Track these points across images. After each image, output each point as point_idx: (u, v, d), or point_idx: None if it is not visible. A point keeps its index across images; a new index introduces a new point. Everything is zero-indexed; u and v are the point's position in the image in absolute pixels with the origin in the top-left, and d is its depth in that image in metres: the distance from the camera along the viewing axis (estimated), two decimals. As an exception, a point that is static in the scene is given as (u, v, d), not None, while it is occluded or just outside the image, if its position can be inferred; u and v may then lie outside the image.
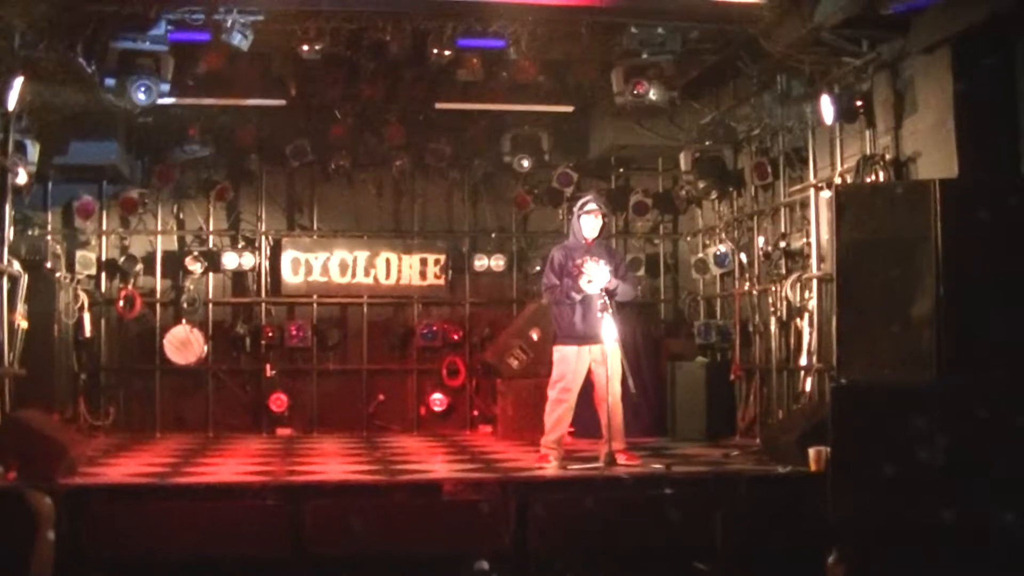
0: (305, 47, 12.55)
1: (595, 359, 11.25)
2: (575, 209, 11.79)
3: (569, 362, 11.37)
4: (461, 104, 15.68)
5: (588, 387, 11.44)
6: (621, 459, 11.10)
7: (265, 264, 16.93)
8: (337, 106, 15.79)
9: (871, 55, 11.58)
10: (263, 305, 16.94)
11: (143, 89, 12.02)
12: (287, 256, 16.85)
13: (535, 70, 13.78)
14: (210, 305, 16.75)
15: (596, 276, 11.12)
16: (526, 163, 16.64)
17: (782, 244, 14.20)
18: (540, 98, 15.22)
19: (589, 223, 11.52)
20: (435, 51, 12.84)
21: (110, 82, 12.35)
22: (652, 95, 12.95)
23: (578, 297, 11.23)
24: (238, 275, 16.87)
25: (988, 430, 8.74)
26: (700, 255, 16.72)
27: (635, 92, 12.90)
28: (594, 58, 13.64)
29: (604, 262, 11.33)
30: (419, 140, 16.64)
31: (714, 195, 16.08)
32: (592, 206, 11.56)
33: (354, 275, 16.95)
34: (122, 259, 16.32)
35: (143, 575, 9.05)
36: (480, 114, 16.34)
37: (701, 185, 15.88)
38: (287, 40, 12.68)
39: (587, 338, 11.26)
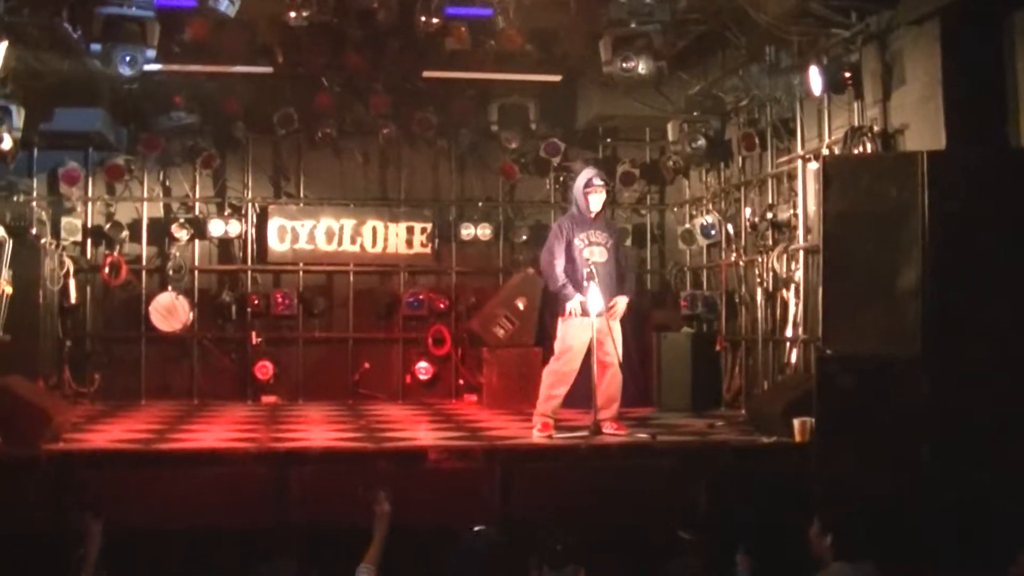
0: (292, 14, 12.53)
1: (600, 330, 11.25)
2: (579, 184, 11.78)
3: (573, 334, 11.39)
4: (448, 73, 15.59)
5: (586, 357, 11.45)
6: (609, 428, 11.13)
7: (251, 232, 16.89)
8: (324, 74, 15.71)
9: (860, 26, 11.55)
10: (249, 273, 16.91)
11: (127, 60, 11.94)
12: (273, 224, 16.82)
13: (522, 39, 13.75)
14: (196, 272, 16.72)
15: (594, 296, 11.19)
16: (514, 145, 16.64)
17: (769, 215, 14.19)
18: (527, 67, 15.16)
19: (596, 199, 11.60)
20: (422, 19, 12.85)
21: (95, 48, 12.26)
22: (641, 69, 12.93)
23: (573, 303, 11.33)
24: (224, 243, 16.84)
25: (971, 402, 8.79)
26: (687, 226, 16.72)
27: (624, 67, 12.88)
28: (582, 27, 13.60)
29: (606, 235, 11.54)
30: (406, 109, 16.58)
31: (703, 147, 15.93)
32: (598, 181, 11.66)
33: (340, 243, 16.92)
34: (108, 226, 16.27)
35: (127, 540, 9.03)
36: (467, 83, 16.24)
37: (691, 147, 15.77)
38: (274, 7, 12.67)
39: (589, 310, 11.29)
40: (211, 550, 9.01)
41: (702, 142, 15.61)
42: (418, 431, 12.44)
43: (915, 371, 9.00)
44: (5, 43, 11.23)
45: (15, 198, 14.94)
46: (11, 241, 12.91)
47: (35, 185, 15.90)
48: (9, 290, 12.62)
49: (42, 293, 14.14)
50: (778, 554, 8.77)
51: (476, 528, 8.53)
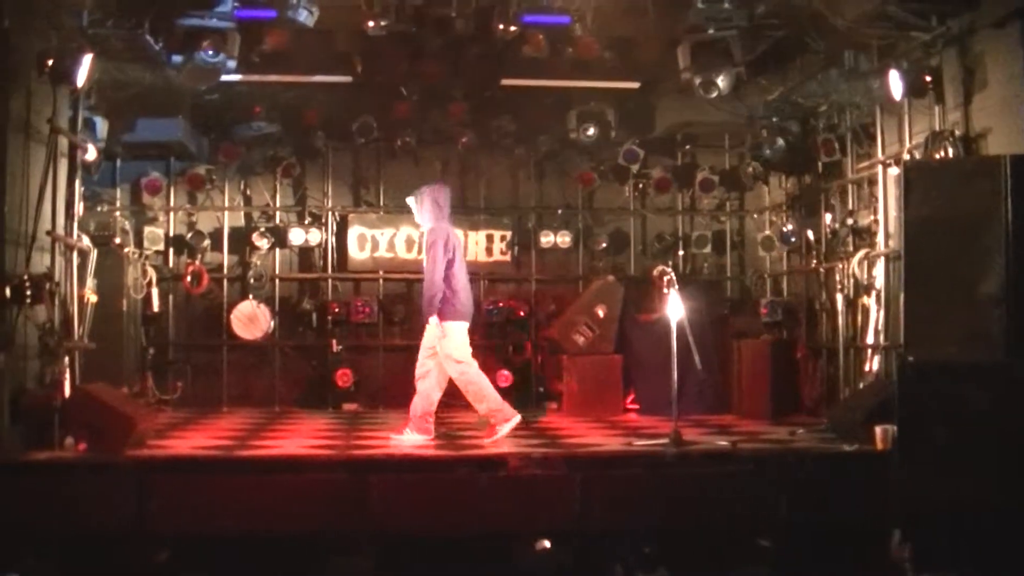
0: (370, 23, 12.56)
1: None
2: None
3: (467, 337, 11.91)
4: (526, 80, 15.56)
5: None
6: (502, 428, 11.61)
7: (331, 240, 17.00)
8: (402, 83, 15.74)
9: (940, 29, 11.44)
10: (329, 281, 17.02)
11: (211, 52, 12.03)
12: (353, 232, 16.93)
13: (600, 46, 13.73)
14: (276, 281, 16.85)
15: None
16: (592, 131, 16.41)
17: (849, 221, 14.12)
18: (605, 74, 15.10)
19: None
20: (500, 27, 12.84)
21: (177, 59, 12.42)
22: (721, 82, 12.90)
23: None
24: (304, 251, 16.98)
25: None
26: (767, 232, 16.65)
27: (702, 83, 12.88)
28: (659, 34, 13.57)
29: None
30: (484, 117, 16.59)
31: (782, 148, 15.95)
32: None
33: (420, 251, 16.87)
34: (189, 235, 16.47)
35: (208, 547, 9.12)
36: (545, 91, 16.22)
37: (768, 152, 15.81)
38: (352, 16, 12.70)
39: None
40: (287, 555, 9.08)
41: (781, 143, 15.60)
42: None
43: (998, 377, 8.90)
44: (89, 55, 11.36)
45: (99, 208, 15.09)
46: (95, 251, 13.02)
47: (118, 195, 16.09)
48: (94, 299, 12.74)
49: (126, 302, 14.28)
50: (859, 564, 8.73)
51: (538, 545, 8.55)
